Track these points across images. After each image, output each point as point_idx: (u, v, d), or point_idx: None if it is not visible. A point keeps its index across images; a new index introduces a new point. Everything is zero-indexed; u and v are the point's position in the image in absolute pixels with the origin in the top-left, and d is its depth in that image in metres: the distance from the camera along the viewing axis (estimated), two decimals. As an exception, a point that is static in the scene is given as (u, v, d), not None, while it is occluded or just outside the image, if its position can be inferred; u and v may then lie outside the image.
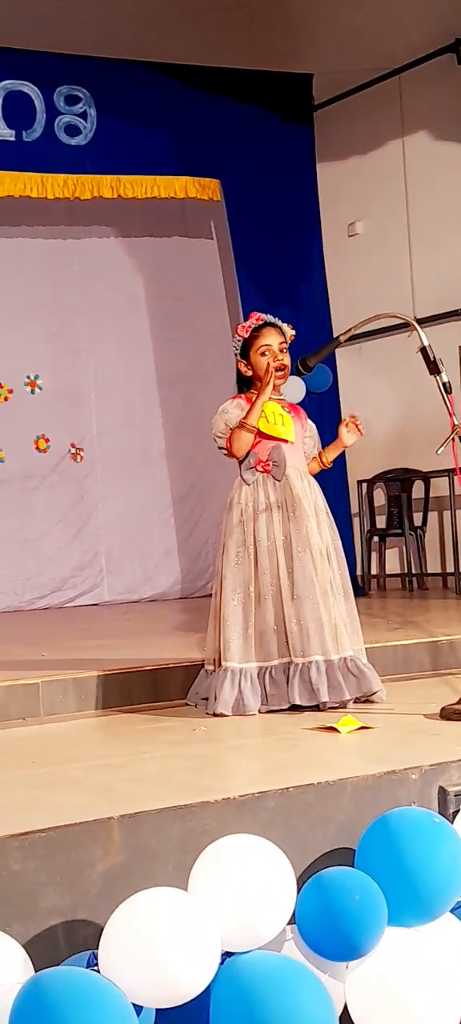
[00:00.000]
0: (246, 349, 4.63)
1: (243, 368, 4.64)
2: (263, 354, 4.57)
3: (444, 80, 9.29)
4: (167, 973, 2.36)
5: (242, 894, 2.53)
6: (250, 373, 4.62)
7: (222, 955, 2.55)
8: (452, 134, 9.36)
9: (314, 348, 4.82)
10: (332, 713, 4.24)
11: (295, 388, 7.89)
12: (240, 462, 4.59)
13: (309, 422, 4.78)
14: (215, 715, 4.36)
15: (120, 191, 8.87)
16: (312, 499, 4.58)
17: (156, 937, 2.38)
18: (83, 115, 8.81)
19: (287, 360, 4.62)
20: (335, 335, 5.08)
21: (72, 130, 8.78)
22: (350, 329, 4.68)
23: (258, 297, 8.22)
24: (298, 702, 4.36)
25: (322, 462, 4.73)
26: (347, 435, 4.68)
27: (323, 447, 4.80)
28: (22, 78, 8.57)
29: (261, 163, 9.12)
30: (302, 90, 9.50)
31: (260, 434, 4.55)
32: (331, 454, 4.75)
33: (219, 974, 2.50)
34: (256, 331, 4.62)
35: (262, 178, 9.10)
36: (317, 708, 4.34)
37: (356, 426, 4.67)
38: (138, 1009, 2.38)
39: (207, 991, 2.50)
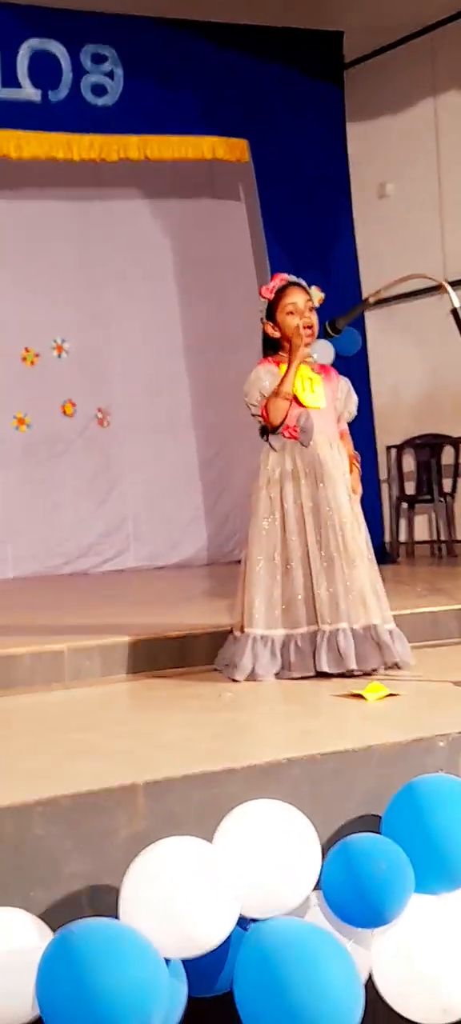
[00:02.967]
0: (272, 311, 4.58)
1: (270, 330, 4.59)
2: (290, 313, 4.52)
3: (477, 38, 9.15)
4: (186, 919, 2.35)
5: (266, 859, 2.52)
6: (278, 334, 4.58)
7: (246, 921, 2.53)
8: (484, 93, 9.23)
9: (343, 311, 4.76)
10: (359, 680, 4.20)
11: (324, 351, 7.82)
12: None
13: (342, 380, 4.70)
14: (233, 680, 4.34)
15: (147, 152, 8.78)
16: (340, 466, 4.53)
17: (176, 884, 2.37)
18: (110, 74, 8.72)
19: (314, 319, 4.57)
20: (363, 298, 5.02)
21: (99, 90, 8.69)
22: (380, 291, 4.61)
23: (286, 259, 8.11)
24: (326, 669, 4.33)
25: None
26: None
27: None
28: (48, 36, 8.49)
29: (290, 123, 9.00)
30: (332, 48, 9.36)
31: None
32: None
33: (244, 940, 2.48)
34: (281, 291, 4.58)
35: (291, 138, 8.99)
36: (344, 676, 4.31)
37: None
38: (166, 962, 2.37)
39: (230, 952, 2.48)
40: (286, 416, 4.49)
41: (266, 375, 4.54)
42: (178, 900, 2.36)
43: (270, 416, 4.51)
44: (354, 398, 4.70)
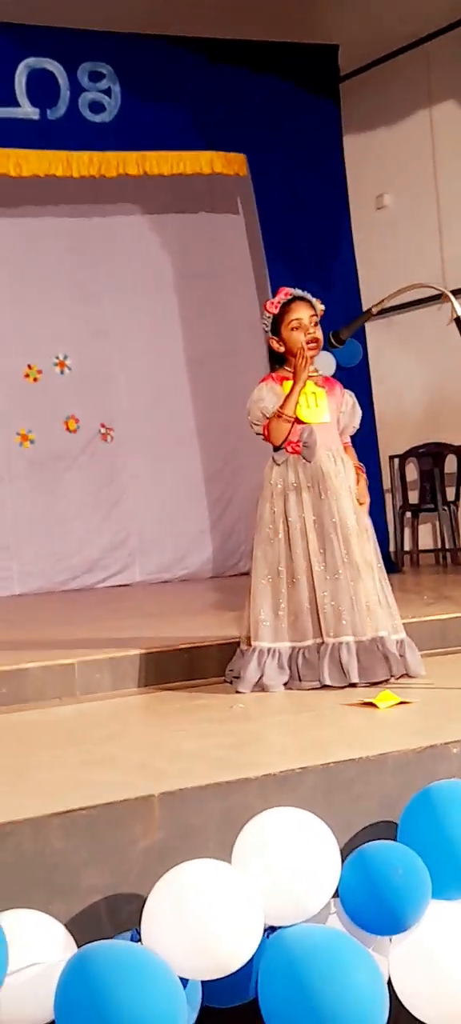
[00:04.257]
0: (277, 325, 4.58)
1: (275, 345, 4.60)
2: (295, 328, 4.53)
3: (472, 48, 9.18)
4: (211, 944, 2.36)
5: (287, 867, 2.53)
6: (282, 349, 4.58)
7: (266, 929, 2.54)
8: (480, 103, 9.26)
9: (343, 323, 4.78)
10: (371, 689, 4.21)
11: (325, 362, 7.83)
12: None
13: (346, 394, 4.70)
14: (240, 692, 4.36)
15: (145, 167, 8.80)
16: (345, 478, 4.54)
17: (199, 908, 2.38)
18: (107, 91, 8.76)
19: (319, 334, 4.58)
20: (364, 309, 5.03)
21: (96, 107, 8.73)
22: (383, 300, 4.64)
23: (286, 272, 8.15)
24: (328, 682, 4.34)
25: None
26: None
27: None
28: (45, 55, 8.53)
29: (287, 136, 9.03)
30: (328, 61, 9.39)
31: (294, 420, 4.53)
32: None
33: (266, 947, 2.49)
34: (286, 306, 4.57)
35: (288, 151, 9.02)
36: (348, 687, 4.31)
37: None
38: (184, 982, 2.37)
39: (250, 964, 2.49)
40: (289, 434, 4.51)
41: (268, 394, 4.55)
42: (203, 924, 2.36)
43: (272, 436, 4.54)
44: (358, 412, 4.71)
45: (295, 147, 9.06)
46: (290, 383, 4.53)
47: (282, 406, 4.49)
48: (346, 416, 4.65)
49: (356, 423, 4.70)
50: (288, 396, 4.49)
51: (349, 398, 4.70)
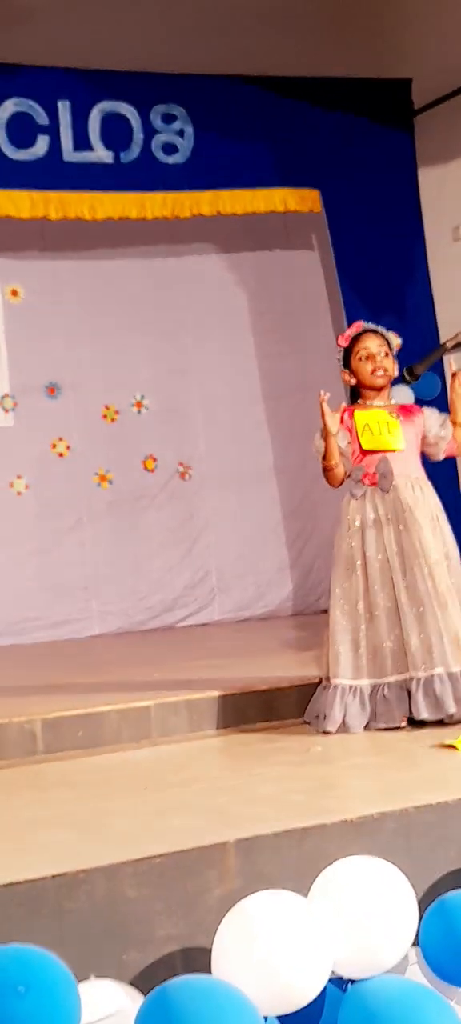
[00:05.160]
0: (348, 358, 4.60)
1: (346, 377, 4.60)
2: (362, 359, 4.51)
3: None
4: (279, 976, 2.31)
5: (363, 917, 2.47)
6: (353, 381, 4.58)
7: (345, 981, 2.48)
8: None
9: (419, 356, 4.73)
10: (449, 729, 4.12)
11: (403, 396, 7.75)
12: (347, 475, 4.53)
13: (426, 411, 4.66)
14: (325, 733, 4.30)
15: (219, 207, 8.84)
16: (425, 507, 4.48)
17: (269, 938, 2.34)
18: (180, 133, 8.82)
19: (388, 363, 4.56)
20: (441, 342, 4.97)
21: (169, 148, 8.79)
22: (458, 335, 4.58)
23: (361, 306, 8.11)
24: (424, 716, 4.27)
25: (458, 424, 4.57)
26: (459, 387, 4.55)
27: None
28: (118, 99, 8.63)
29: (361, 171, 9.00)
30: (401, 95, 9.35)
31: (364, 450, 4.48)
32: (459, 413, 4.56)
33: (345, 1000, 2.43)
34: (356, 338, 4.59)
35: (362, 186, 8.99)
36: (441, 723, 4.23)
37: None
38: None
39: (324, 1010, 2.43)
40: (357, 462, 4.48)
41: (318, 440, 4.57)
42: (271, 954, 2.32)
43: (329, 483, 4.58)
44: (443, 417, 4.64)
45: (369, 182, 9.03)
46: (363, 414, 4.50)
47: (324, 457, 4.50)
48: (433, 425, 4.59)
49: (447, 435, 4.60)
50: (326, 446, 4.49)
51: (427, 410, 4.66)
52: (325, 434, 4.47)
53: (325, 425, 4.45)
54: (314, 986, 2.36)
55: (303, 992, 2.34)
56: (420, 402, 8.29)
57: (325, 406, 4.44)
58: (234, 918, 2.42)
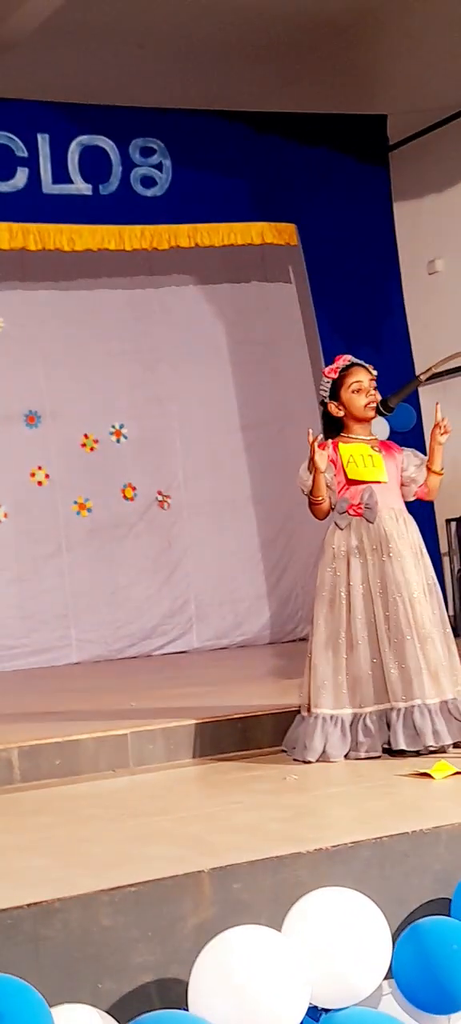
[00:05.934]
0: (336, 390, 4.62)
1: (334, 409, 4.61)
2: (355, 392, 4.55)
3: None
4: (257, 1011, 2.32)
5: (336, 949, 2.48)
6: (342, 413, 4.60)
7: (318, 1012, 2.50)
8: None
9: (395, 388, 4.78)
10: (426, 759, 4.15)
11: (379, 428, 7.79)
12: (331, 507, 4.57)
13: (404, 451, 4.72)
14: (305, 761, 4.32)
15: (197, 239, 8.92)
16: (408, 539, 4.53)
17: (246, 973, 2.34)
18: (158, 166, 8.90)
19: (378, 397, 4.62)
20: (416, 374, 5.03)
21: (148, 182, 8.87)
22: (431, 368, 4.64)
23: (338, 339, 8.17)
24: (403, 747, 4.30)
25: (433, 472, 4.64)
26: (439, 436, 4.61)
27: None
28: (97, 132, 8.71)
29: (337, 205, 9.09)
30: (376, 131, 9.47)
31: (349, 481, 4.53)
32: (436, 462, 4.64)
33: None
34: (345, 371, 4.62)
35: (338, 220, 9.08)
36: (418, 753, 4.27)
37: (444, 426, 4.60)
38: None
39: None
40: (342, 494, 4.52)
41: (303, 472, 4.58)
42: (248, 990, 2.33)
43: (314, 516, 4.60)
44: (419, 456, 4.70)
45: (345, 216, 9.12)
46: (347, 447, 4.55)
47: (311, 492, 4.52)
48: (410, 464, 4.64)
49: (420, 477, 4.66)
50: (314, 480, 4.50)
51: (409, 452, 4.71)
52: (314, 471, 4.49)
53: (315, 463, 4.48)
54: (291, 1021, 2.38)
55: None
56: (396, 435, 8.38)
57: (316, 446, 4.47)
58: (211, 953, 2.43)
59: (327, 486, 4.54)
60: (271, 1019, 2.33)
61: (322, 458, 4.47)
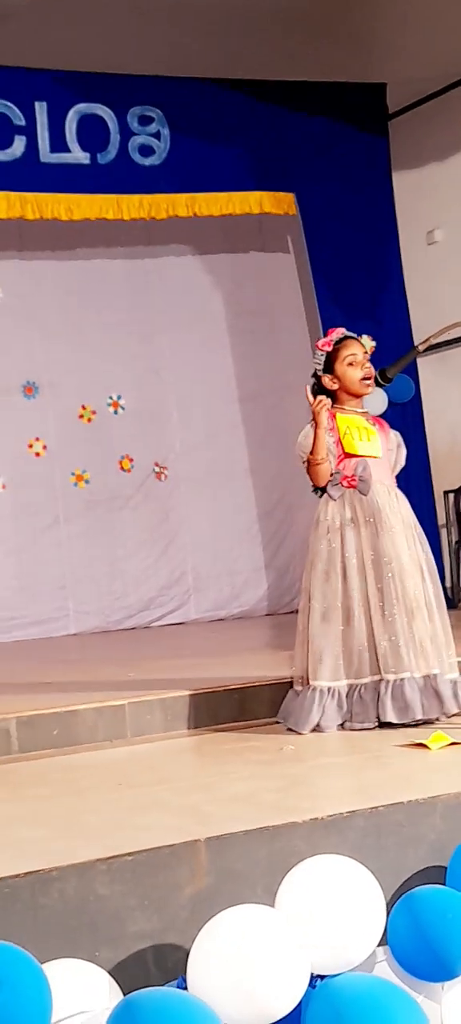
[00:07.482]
0: (330, 363, 4.60)
1: (328, 382, 4.59)
2: (350, 364, 4.54)
3: None
4: (256, 992, 2.33)
5: (331, 916, 2.49)
6: (336, 386, 4.58)
7: (312, 977, 2.51)
8: None
9: (393, 358, 4.78)
10: (422, 729, 4.17)
11: (377, 399, 7.81)
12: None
13: (392, 433, 4.73)
14: (299, 733, 4.34)
15: (195, 209, 8.91)
16: (399, 513, 4.53)
17: (245, 955, 2.35)
18: (156, 135, 8.87)
19: (372, 369, 4.61)
20: (415, 344, 5.03)
21: (146, 150, 8.84)
22: (429, 338, 4.64)
23: (336, 309, 8.17)
24: (391, 719, 4.31)
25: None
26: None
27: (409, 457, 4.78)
28: (95, 101, 8.67)
29: (336, 175, 9.07)
30: (376, 100, 9.43)
31: (346, 454, 4.52)
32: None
33: (312, 997, 2.46)
34: (339, 343, 4.60)
35: (338, 190, 9.05)
36: (407, 725, 4.29)
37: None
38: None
39: (296, 1014, 2.46)
40: (337, 465, 4.51)
41: (304, 439, 4.57)
42: (249, 972, 2.34)
43: (313, 481, 4.56)
44: (404, 451, 4.74)
45: (344, 185, 9.10)
46: (344, 417, 4.54)
47: (311, 453, 4.50)
48: (393, 454, 4.66)
49: (402, 461, 4.73)
50: (315, 441, 4.49)
51: (394, 436, 4.72)
52: (317, 428, 4.47)
53: (318, 419, 4.47)
54: (291, 1001, 2.39)
55: (281, 1007, 2.36)
56: (395, 405, 8.39)
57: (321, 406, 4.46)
58: (209, 934, 2.43)
59: (328, 450, 4.53)
60: (272, 1002, 2.34)
61: (326, 417, 4.46)
